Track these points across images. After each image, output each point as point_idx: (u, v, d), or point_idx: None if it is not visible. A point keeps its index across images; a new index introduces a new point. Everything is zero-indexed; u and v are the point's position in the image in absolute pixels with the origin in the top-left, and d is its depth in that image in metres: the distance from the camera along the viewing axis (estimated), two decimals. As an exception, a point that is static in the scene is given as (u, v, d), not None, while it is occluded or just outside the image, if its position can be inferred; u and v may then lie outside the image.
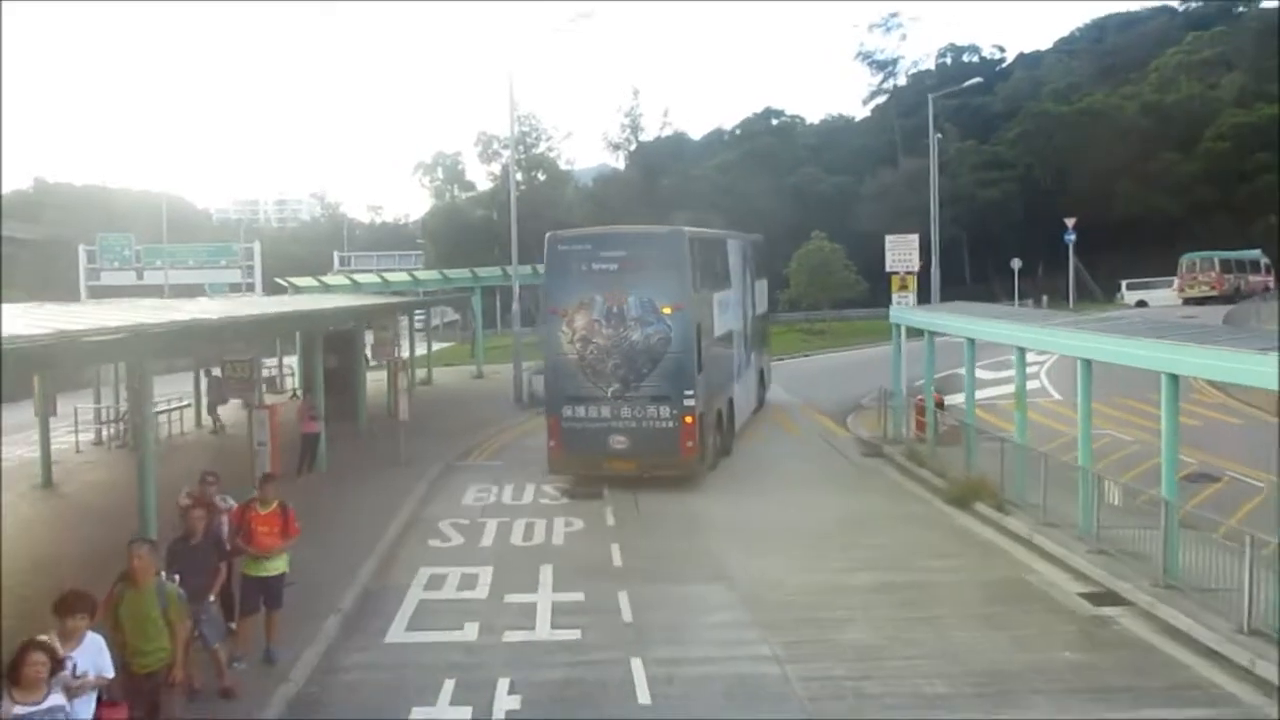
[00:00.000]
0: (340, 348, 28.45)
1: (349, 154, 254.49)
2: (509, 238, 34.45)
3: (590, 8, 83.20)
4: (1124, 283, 63.11)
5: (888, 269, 30.69)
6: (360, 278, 44.59)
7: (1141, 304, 58.75)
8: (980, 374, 31.01)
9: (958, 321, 21.00)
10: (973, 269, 72.21)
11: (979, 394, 27.17)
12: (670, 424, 19.75)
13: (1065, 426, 25.52)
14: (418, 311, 42.85)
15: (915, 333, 24.41)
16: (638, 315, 19.86)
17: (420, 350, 43.56)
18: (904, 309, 25.26)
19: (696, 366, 20.10)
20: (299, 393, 30.74)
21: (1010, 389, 31.28)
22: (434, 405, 33.17)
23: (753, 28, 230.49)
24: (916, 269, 30.07)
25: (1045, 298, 58.59)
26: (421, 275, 46.34)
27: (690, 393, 19.80)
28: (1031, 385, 31.26)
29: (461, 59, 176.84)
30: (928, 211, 60.18)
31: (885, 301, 64.01)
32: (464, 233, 65.67)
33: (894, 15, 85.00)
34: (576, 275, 20.26)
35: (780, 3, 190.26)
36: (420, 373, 39.91)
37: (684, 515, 18.02)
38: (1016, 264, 58.45)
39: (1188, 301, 57.90)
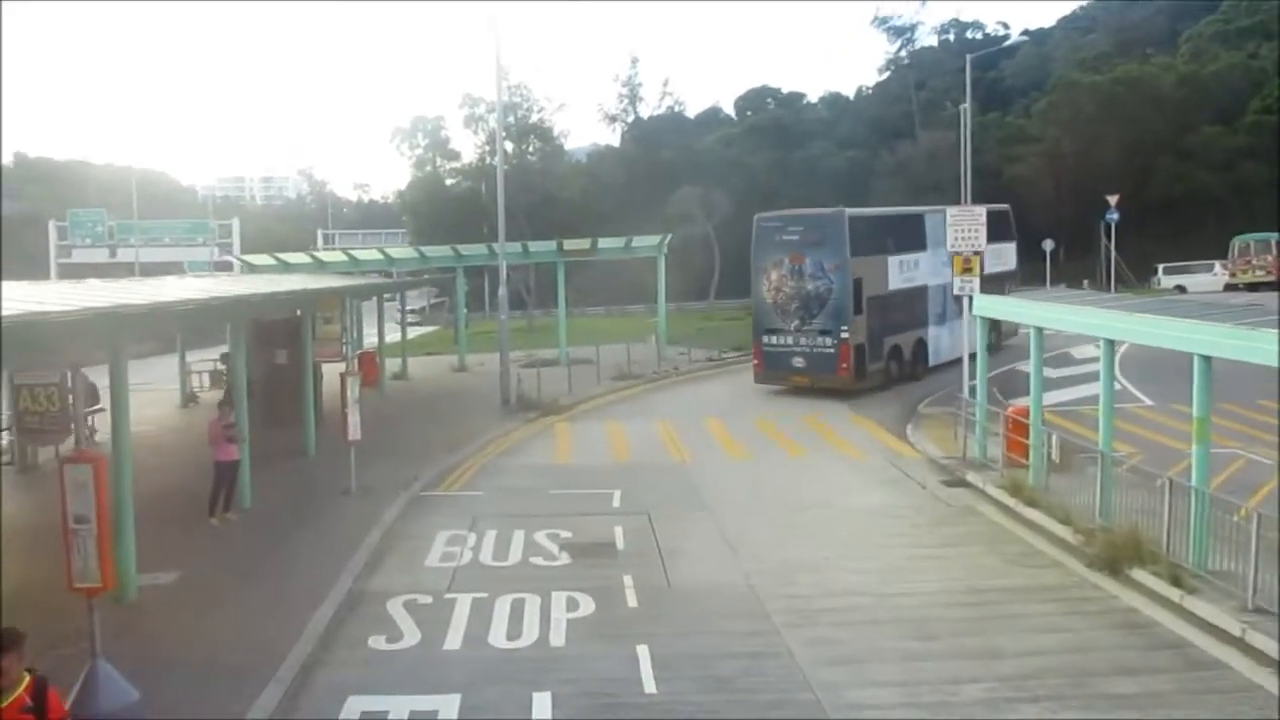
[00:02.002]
0: (290, 340, 23.44)
1: (337, 130, 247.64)
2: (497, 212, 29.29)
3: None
4: (1160, 267, 58.45)
5: (949, 249, 25.79)
6: (326, 256, 39.22)
7: (1180, 289, 54.07)
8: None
9: (1089, 316, 15.81)
10: (992, 250, 67.26)
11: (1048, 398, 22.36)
12: (831, 350, 27.30)
13: (1179, 442, 20.63)
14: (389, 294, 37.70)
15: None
16: (811, 272, 27.63)
17: (396, 337, 38.46)
18: (994, 299, 20.15)
19: (853, 309, 27.20)
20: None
21: (1091, 389, 26.69)
22: (405, 407, 28.07)
23: (746, 5, 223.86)
24: (984, 249, 25.11)
25: (1086, 282, 53.67)
26: (396, 253, 40.81)
27: (845, 328, 27.09)
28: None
29: (449, 30, 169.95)
30: (948, 188, 55.34)
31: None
32: (448, 207, 60.04)
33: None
34: (772, 244, 28.55)
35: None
36: (394, 364, 34.85)
37: (730, 586, 12.98)
38: (1049, 245, 53.67)
39: (1230, 288, 53.22)
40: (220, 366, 33.20)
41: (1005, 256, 35.54)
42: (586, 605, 12.17)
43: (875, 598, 12.53)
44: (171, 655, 10.23)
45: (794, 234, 28.36)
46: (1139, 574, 12.84)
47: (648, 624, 11.63)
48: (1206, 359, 12.66)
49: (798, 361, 27.85)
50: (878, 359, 28.25)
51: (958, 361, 29.58)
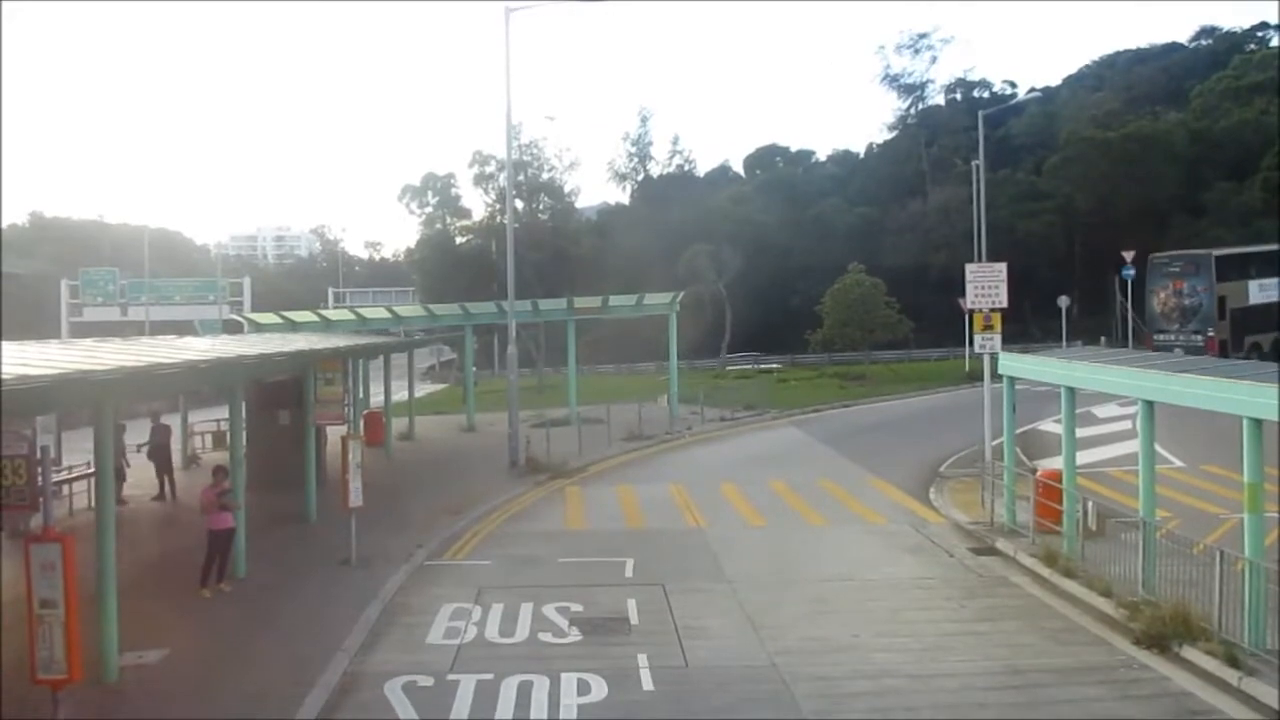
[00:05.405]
0: (293, 401, 22.82)
1: (350, 189, 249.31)
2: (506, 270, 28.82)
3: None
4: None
5: (968, 305, 25.15)
6: (333, 314, 38.77)
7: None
8: (1052, 428, 25.51)
9: (1128, 377, 14.99)
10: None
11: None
12: (1200, 344, 42.73)
13: (1214, 506, 19.79)
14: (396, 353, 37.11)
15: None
16: (1187, 293, 45.28)
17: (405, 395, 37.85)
18: (1025, 358, 19.41)
19: (1217, 317, 44.16)
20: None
21: (1116, 450, 25.89)
22: (410, 469, 27.37)
23: (752, 64, 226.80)
24: (1005, 305, 24.47)
25: (1104, 339, 53.02)
26: (403, 311, 40.39)
27: (1211, 329, 43.87)
28: (1131, 446, 25.59)
29: (461, 88, 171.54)
30: (960, 245, 54.93)
31: (923, 343, 58.91)
32: (457, 265, 59.74)
33: (924, 36, 79.39)
34: (1161, 274, 46.96)
35: (778, 35, 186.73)
36: (402, 423, 34.16)
37: (753, 668, 12.06)
38: (1064, 302, 53.22)
39: None
40: (223, 427, 32.63)
41: None
42: (599, 689, 11.28)
43: (910, 680, 11.63)
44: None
45: (1176, 268, 46.06)
46: (1190, 653, 11.98)
47: (664, 711, 10.76)
48: (1257, 422, 11.88)
49: (1178, 352, 38.19)
50: (1239, 350, 42.44)
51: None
